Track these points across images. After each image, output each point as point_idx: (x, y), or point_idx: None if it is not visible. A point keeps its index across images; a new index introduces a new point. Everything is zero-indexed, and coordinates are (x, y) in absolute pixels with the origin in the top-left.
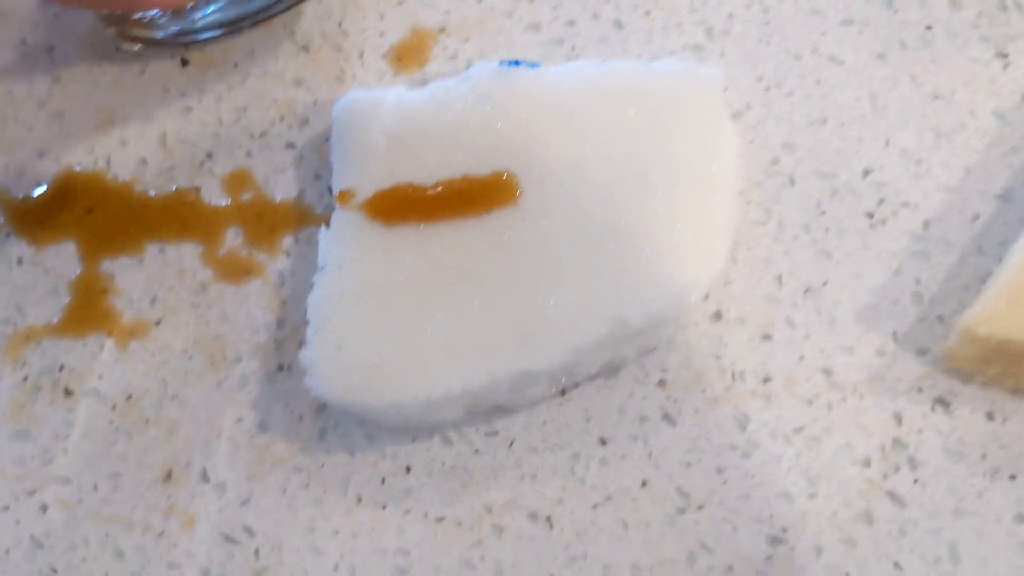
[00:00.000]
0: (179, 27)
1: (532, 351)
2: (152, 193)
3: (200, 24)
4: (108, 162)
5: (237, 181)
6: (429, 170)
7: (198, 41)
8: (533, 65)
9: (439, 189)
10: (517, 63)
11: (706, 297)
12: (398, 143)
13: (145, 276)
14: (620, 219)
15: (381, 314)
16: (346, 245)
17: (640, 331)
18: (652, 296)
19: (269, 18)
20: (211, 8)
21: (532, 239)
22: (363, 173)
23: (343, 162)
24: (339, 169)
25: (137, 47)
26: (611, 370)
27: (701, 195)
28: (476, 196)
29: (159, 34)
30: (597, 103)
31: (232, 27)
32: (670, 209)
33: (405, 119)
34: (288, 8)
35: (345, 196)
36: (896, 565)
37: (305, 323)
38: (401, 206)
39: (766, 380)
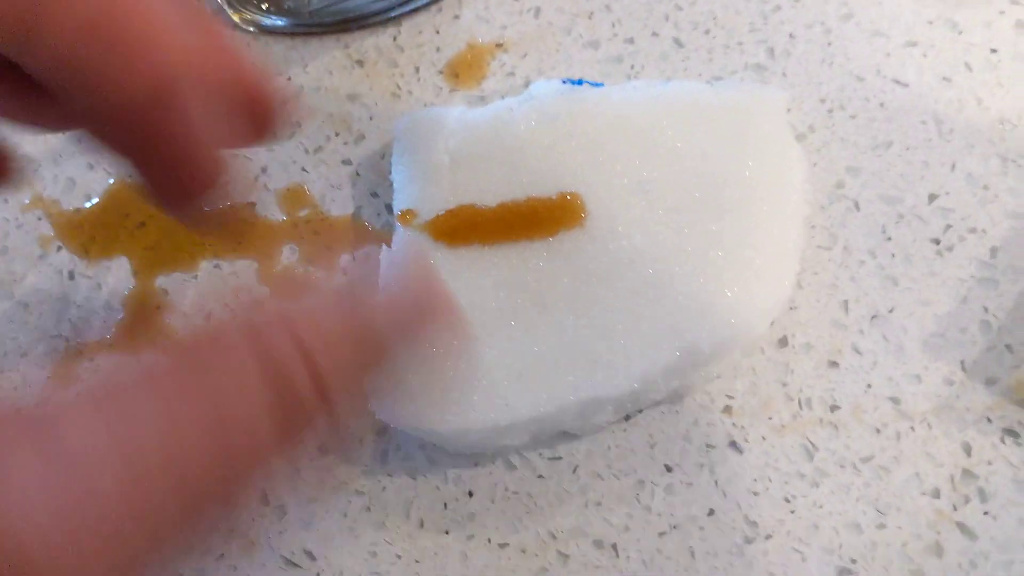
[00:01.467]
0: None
1: (600, 378)
2: (206, 208)
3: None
4: None
5: (293, 197)
6: (493, 191)
7: (310, 34)
8: (596, 85)
9: (504, 211)
10: (580, 82)
11: (772, 323)
12: (461, 163)
13: (200, 293)
14: (689, 243)
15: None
16: (408, 266)
17: (709, 358)
18: (722, 323)
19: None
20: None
21: (599, 262)
22: (426, 193)
23: (405, 181)
24: (401, 188)
25: (252, 29)
26: (676, 397)
27: (770, 219)
28: (542, 218)
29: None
30: (663, 124)
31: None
32: (739, 233)
33: (468, 139)
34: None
35: (407, 216)
36: None
37: None
38: (465, 227)
39: (833, 408)
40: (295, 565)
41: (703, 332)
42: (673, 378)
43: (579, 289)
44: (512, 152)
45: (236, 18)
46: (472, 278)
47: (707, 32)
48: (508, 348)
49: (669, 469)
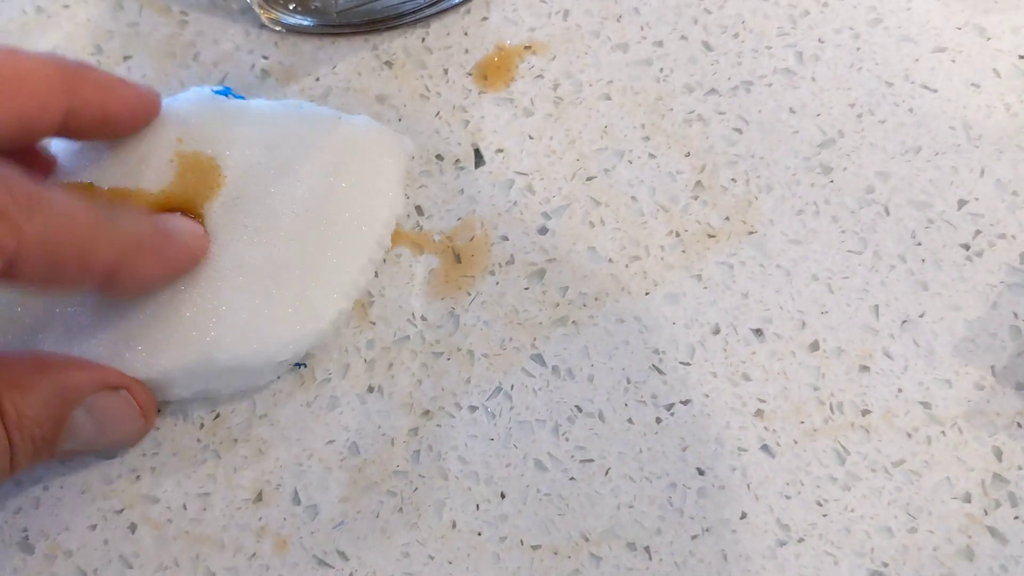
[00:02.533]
0: (320, 20)
1: (138, 365)
2: None
3: (342, 19)
4: None
5: None
6: (107, 175)
7: (338, 34)
8: (239, 97)
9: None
10: (227, 92)
11: (803, 326)
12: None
13: None
14: (251, 258)
15: None
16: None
17: (226, 372)
18: (241, 341)
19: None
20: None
21: None
22: (60, 156)
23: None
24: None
25: (279, 29)
26: (208, 398)
27: (336, 260)
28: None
29: (300, 22)
30: (286, 143)
31: (372, 27)
32: (295, 262)
33: None
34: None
35: None
36: None
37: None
38: None
39: (864, 412)
40: (327, 565)
41: (223, 345)
42: (194, 381)
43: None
44: (139, 142)
45: (264, 18)
46: None
47: (736, 36)
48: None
49: (701, 472)
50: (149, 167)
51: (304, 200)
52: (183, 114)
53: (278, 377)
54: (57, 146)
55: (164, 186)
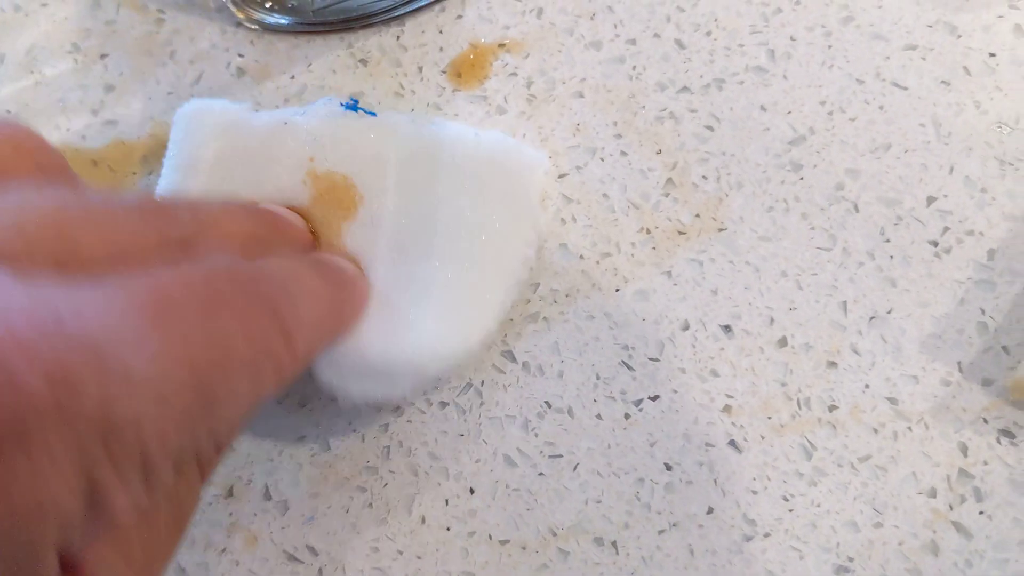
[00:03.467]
0: (297, 18)
1: None
2: None
3: (318, 17)
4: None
5: None
6: (242, 195)
7: (314, 32)
8: (370, 113)
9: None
10: (355, 106)
11: (771, 322)
12: (222, 162)
13: None
14: (401, 275)
15: None
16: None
17: (374, 373)
18: (391, 347)
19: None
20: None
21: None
22: (183, 185)
23: (171, 168)
24: (166, 174)
25: (255, 27)
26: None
27: (484, 278)
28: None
29: (277, 20)
30: (418, 161)
31: (347, 25)
32: (448, 282)
33: (235, 139)
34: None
35: None
36: None
37: None
38: None
39: (832, 408)
40: (297, 560)
41: (373, 345)
42: (339, 378)
43: None
44: (270, 163)
45: (240, 16)
46: None
47: (708, 34)
48: None
49: (669, 467)
50: (282, 189)
51: (445, 220)
52: (313, 131)
53: (420, 394)
54: (168, 177)
55: (300, 208)
